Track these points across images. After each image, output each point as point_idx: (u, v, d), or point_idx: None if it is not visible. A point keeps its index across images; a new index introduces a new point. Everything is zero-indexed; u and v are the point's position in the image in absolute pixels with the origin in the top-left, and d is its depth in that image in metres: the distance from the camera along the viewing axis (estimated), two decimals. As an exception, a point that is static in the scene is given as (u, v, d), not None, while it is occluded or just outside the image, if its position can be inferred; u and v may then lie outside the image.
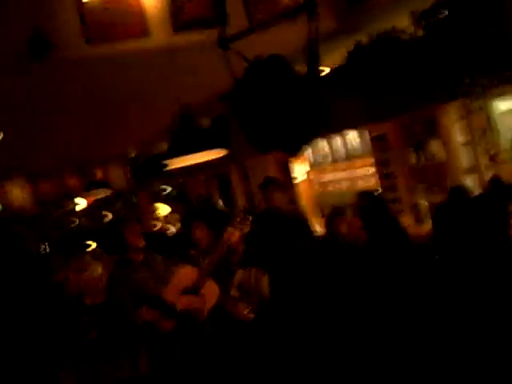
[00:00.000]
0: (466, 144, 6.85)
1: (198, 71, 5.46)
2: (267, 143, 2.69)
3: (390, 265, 3.15)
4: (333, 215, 5.35)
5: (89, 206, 13.30)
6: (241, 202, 10.78)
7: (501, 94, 5.83)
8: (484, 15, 4.13)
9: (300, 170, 10.64)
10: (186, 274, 4.55)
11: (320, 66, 2.53)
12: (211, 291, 4.46)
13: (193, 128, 3.89)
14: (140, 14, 4.62)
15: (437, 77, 4.73)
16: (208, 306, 4.41)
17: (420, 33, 4.77)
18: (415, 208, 7.30)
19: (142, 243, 4.74)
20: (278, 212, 5.79)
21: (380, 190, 7.94)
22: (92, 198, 12.56)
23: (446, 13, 4.56)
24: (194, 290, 4.45)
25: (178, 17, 4.72)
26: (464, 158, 6.85)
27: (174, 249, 6.19)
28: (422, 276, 2.93)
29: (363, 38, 5.23)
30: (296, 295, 2.90)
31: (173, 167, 3.94)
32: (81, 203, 13.29)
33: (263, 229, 5.58)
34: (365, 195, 5.54)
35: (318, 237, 6.12)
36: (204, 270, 4.52)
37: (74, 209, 13.29)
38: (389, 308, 2.78)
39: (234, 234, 4.60)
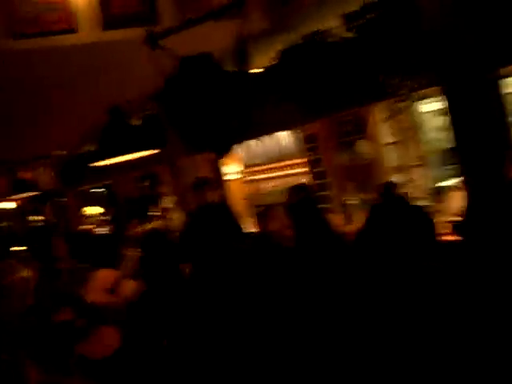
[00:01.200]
0: (392, 143, 7.05)
1: (128, 69, 5.38)
2: (198, 143, 2.68)
3: (319, 263, 3.19)
4: (263, 213, 5.37)
5: (16, 207, 12.88)
6: (171, 201, 10.72)
7: (425, 96, 6.01)
8: (408, 18, 4.25)
9: (232, 170, 10.65)
10: (104, 276, 4.54)
11: (249, 64, 2.54)
12: (127, 287, 4.46)
13: (123, 126, 3.81)
14: (68, 9, 4.51)
15: (364, 78, 4.83)
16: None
17: (349, 34, 4.85)
18: (345, 206, 7.44)
19: (64, 253, 4.69)
20: (211, 211, 5.81)
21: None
22: (18, 199, 12.18)
23: (374, 15, 4.66)
24: (112, 291, 4.44)
25: (107, 12, 4.63)
26: (391, 157, 7.05)
27: (103, 249, 6.08)
28: (352, 274, 2.98)
29: (295, 38, 5.28)
30: (222, 294, 2.89)
31: (100, 164, 3.86)
32: (7, 205, 12.85)
33: (194, 227, 5.60)
34: (296, 189, 5.61)
35: (250, 234, 6.15)
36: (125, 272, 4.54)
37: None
38: (321, 308, 2.81)
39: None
